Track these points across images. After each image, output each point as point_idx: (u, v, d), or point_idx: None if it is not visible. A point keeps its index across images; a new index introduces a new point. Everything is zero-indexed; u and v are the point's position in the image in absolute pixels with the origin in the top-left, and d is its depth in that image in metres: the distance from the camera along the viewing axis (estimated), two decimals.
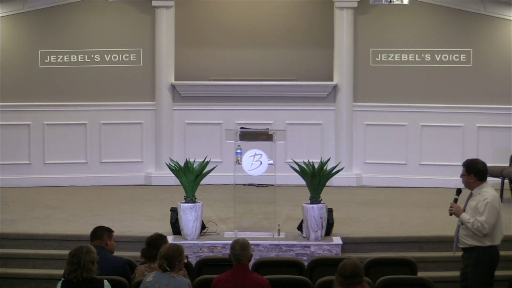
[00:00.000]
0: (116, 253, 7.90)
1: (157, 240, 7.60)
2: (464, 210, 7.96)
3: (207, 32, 14.55)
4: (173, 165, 9.98)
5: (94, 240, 7.58)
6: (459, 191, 8.10)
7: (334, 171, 9.98)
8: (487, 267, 7.94)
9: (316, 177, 9.78)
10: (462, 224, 7.94)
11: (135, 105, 13.98)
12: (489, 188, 7.95)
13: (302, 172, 9.88)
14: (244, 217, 10.75)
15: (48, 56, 13.82)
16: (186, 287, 6.76)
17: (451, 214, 8.09)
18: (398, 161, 13.95)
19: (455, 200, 8.05)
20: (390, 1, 13.30)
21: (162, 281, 6.71)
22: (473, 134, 13.78)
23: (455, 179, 13.56)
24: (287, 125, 13.59)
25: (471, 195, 7.98)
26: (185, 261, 7.28)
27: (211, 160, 10.25)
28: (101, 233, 7.63)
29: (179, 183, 10.17)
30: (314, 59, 14.46)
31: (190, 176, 9.88)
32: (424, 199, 12.71)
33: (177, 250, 6.86)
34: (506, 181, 12.47)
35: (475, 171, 7.90)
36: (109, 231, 7.72)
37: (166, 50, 13.85)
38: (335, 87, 13.95)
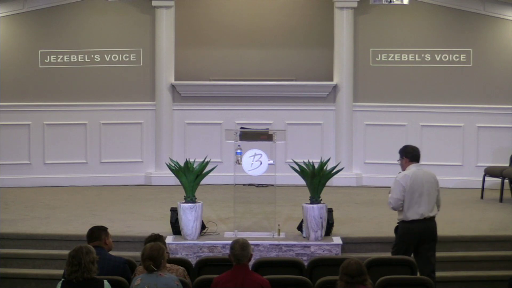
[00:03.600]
0: (116, 253, 7.90)
1: (156, 240, 7.60)
2: None
3: (207, 32, 14.56)
4: (173, 165, 9.98)
5: (93, 241, 7.56)
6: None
7: (334, 171, 9.97)
8: (399, 238, 8.71)
9: (316, 177, 9.78)
10: None
11: (135, 105, 13.99)
12: (411, 169, 8.71)
13: (302, 172, 9.88)
14: (244, 217, 10.75)
15: (48, 56, 13.83)
16: (175, 283, 6.76)
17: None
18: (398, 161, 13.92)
19: None
20: (390, 1, 13.30)
21: (150, 281, 6.70)
22: (473, 134, 13.78)
23: (455, 179, 13.69)
24: (287, 125, 13.60)
25: None
26: (168, 253, 7.41)
27: (211, 160, 10.24)
28: (98, 234, 7.61)
29: (179, 183, 10.17)
30: (314, 59, 14.47)
31: (190, 176, 9.88)
32: None
33: (160, 249, 6.88)
34: (506, 181, 12.47)
35: (405, 153, 8.79)
36: (104, 230, 7.71)
37: (166, 50, 13.86)
38: (335, 87, 13.95)
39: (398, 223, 8.79)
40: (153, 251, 6.82)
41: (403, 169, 8.80)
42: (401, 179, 8.66)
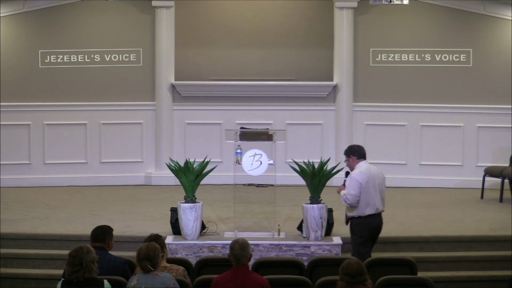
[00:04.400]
0: (116, 253, 7.89)
1: (156, 240, 7.59)
2: None
3: (207, 32, 14.56)
4: (173, 165, 9.98)
5: (97, 242, 7.54)
6: (347, 174, 9.14)
7: (334, 171, 9.96)
8: (358, 234, 8.93)
9: (316, 177, 9.78)
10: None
11: (135, 105, 13.99)
12: (363, 166, 8.97)
13: (302, 172, 9.87)
14: (244, 217, 10.75)
15: (48, 56, 13.83)
16: (171, 282, 6.76)
17: (338, 193, 9.11)
18: (398, 161, 13.95)
19: (345, 181, 9.07)
20: (390, 1, 13.30)
21: (146, 282, 6.70)
22: (473, 134, 13.78)
23: (455, 179, 13.69)
24: (287, 125, 13.60)
25: None
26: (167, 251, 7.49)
27: (211, 160, 10.24)
28: (103, 237, 7.57)
29: (179, 183, 10.17)
30: (314, 59, 14.47)
31: (190, 176, 9.87)
32: (424, 199, 12.71)
33: (156, 249, 6.88)
34: (506, 181, 12.47)
35: (352, 152, 9.05)
36: (110, 233, 7.67)
37: (166, 50, 13.86)
38: (335, 87, 13.95)
39: (349, 219, 9.03)
40: (149, 251, 6.82)
41: (352, 168, 9.03)
42: (358, 175, 8.89)
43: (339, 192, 9.07)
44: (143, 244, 7.00)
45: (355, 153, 9.03)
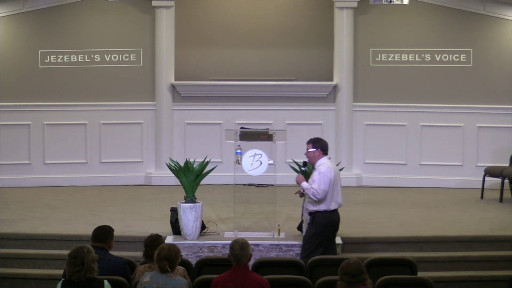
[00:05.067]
0: (116, 253, 7.89)
1: (157, 240, 7.60)
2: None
3: (207, 32, 14.56)
4: (173, 165, 9.98)
5: (98, 242, 7.54)
6: (305, 164, 9.39)
7: None
8: (322, 229, 9.02)
9: None
10: (303, 190, 9.07)
11: (135, 105, 13.99)
12: (327, 161, 9.11)
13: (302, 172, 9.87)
14: (244, 217, 10.75)
15: (48, 56, 13.83)
16: (184, 286, 6.76)
17: (297, 182, 9.23)
18: (398, 161, 13.95)
19: (302, 171, 9.34)
20: (390, 1, 13.30)
21: (159, 281, 6.71)
22: (473, 134, 13.78)
23: (455, 179, 13.69)
24: (287, 125, 13.60)
25: (313, 168, 9.14)
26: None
27: (211, 160, 10.24)
28: (105, 237, 7.57)
29: (179, 183, 10.16)
30: (314, 59, 14.47)
31: (190, 176, 9.87)
32: (424, 199, 12.71)
33: (178, 251, 6.90)
34: (506, 181, 12.47)
35: (321, 146, 9.10)
36: (111, 234, 7.68)
37: (166, 50, 13.86)
38: (335, 87, 13.95)
39: (313, 213, 9.05)
40: (171, 252, 6.83)
41: (314, 160, 9.11)
42: (327, 171, 9.00)
43: (300, 183, 9.13)
44: (165, 244, 7.01)
45: (324, 148, 9.13)
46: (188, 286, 6.87)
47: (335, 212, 9.11)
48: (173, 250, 6.85)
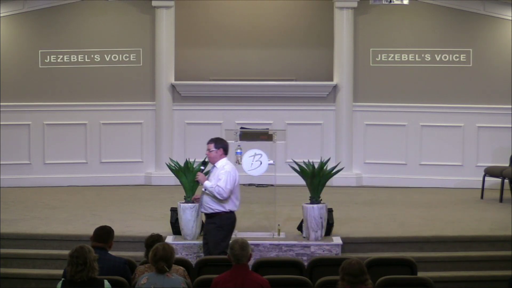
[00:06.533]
0: (116, 253, 7.89)
1: (158, 240, 7.60)
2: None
3: (207, 32, 14.56)
4: (173, 165, 9.98)
5: (100, 242, 7.54)
6: (205, 163, 9.39)
7: (334, 171, 9.97)
8: (226, 228, 9.07)
9: (316, 177, 9.78)
10: (205, 190, 9.07)
11: (135, 105, 13.99)
12: (228, 162, 9.16)
13: (302, 172, 9.87)
14: (244, 217, 10.75)
15: (48, 56, 13.83)
16: (182, 285, 6.76)
17: (196, 182, 9.34)
18: (398, 161, 13.95)
19: (201, 170, 9.37)
20: (390, 1, 13.30)
21: (157, 281, 6.70)
22: (473, 134, 13.78)
23: (455, 179, 13.69)
24: (287, 125, 13.60)
25: (214, 167, 9.15)
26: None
27: None
28: (106, 237, 7.59)
29: (179, 183, 10.15)
30: (314, 59, 14.47)
31: (190, 176, 9.86)
32: (424, 199, 12.71)
33: (172, 249, 6.91)
34: (506, 181, 12.47)
35: (223, 146, 9.14)
36: (113, 233, 7.69)
37: (166, 50, 13.86)
38: (335, 87, 13.95)
39: (215, 213, 9.03)
40: (167, 252, 6.82)
41: (215, 160, 9.11)
42: (232, 171, 9.09)
43: (202, 182, 9.12)
44: (158, 244, 6.99)
45: (226, 148, 9.15)
46: (186, 284, 6.86)
47: (234, 213, 9.20)
48: (168, 249, 6.85)
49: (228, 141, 10.36)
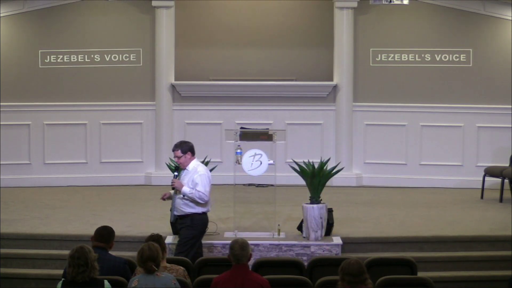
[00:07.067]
0: (116, 253, 7.89)
1: (158, 240, 7.59)
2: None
3: (207, 32, 14.56)
4: (173, 165, 9.97)
5: (101, 242, 7.53)
6: (177, 168, 9.20)
7: (334, 171, 9.97)
8: (198, 230, 9.09)
9: (316, 177, 9.78)
10: (184, 196, 8.96)
11: (135, 105, 13.99)
12: (199, 163, 9.15)
13: (302, 172, 9.88)
14: (244, 217, 10.75)
15: (48, 56, 13.83)
16: (172, 282, 6.75)
17: (173, 188, 9.10)
18: (398, 161, 13.95)
19: (175, 176, 9.14)
20: (390, 1, 13.30)
21: (148, 283, 6.68)
22: (473, 134, 13.78)
23: (455, 179, 13.69)
24: (287, 125, 13.60)
25: (184, 170, 9.09)
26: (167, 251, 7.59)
27: (211, 160, 10.24)
28: (108, 238, 7.59)
29: None
30: (314, 59, 14.48)
31: None
32: (424, 199, 12.71)
33: (158, 248, 6.90)
34: (506, 181, 12.47)
35: (189, 149, 9.05)
36: (114, 234, 7.69)
37: (166, 50, 13.86)
38: (335, 87, 13.95)
39: (188, 215, 9.00)
40: (154, 252, 6.81)
41: (186, 164, 9.04)
42: (206, 172, 9.10)
43: (180, 188, 8.96)
44: (143, 244, 6.98)
45: (192, 150, 9.08)
46: (177, 281, 6.84)
47: (207, 214, 9.23)
48: (154, 249, 6.85)
49: (228, 141, 10.39)
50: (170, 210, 9.28)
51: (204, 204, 9.07)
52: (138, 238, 9.72)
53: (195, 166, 9.07)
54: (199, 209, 9.06)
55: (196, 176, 8.99)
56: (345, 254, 9.37)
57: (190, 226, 9.03)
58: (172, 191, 9.22)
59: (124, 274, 7.39)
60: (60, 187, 13.66)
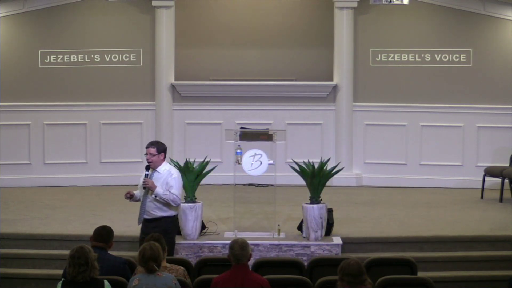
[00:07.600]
0: (116, 253, 7.89)
1: (158, 240, 7.59)
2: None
3: (207, 32, 14.56)
4: (173, 165, 9.97)
5: (101, 241, 7.54)
6: (148, 168, 8.92)
7: (334, 171, 9.97)
8: (173, 233, 9.02)
9: (316, 177, 9.78)
10: (156, 197, 8.77)
11: (135, 105, 13.99)
12: (171, 166, 9.12)
13: (302, 172, 9.88)
14: (244, 217, 10.75)
15: (48, 56, 13.83)
16: (173, 282, 6.75)
17: (144, 188, 8.86)
18: (398, 161, 13.95)
19: (146, 176, 8.89)
20: (390, 1, 13.31)
21: (148, 282, 6.68)
22: (473, 134, 13.78)
23: (455, 179, 13.69)
24: (287, 125, 13.60)
25: (155, 172, 8.91)
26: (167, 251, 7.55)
27: (211, 160, 10.24)
28: (107, 238, 7.60)
29: None
30: (314, 59, 14.48)
31: (190, 176, 9.87)
32: (424, 199, 12.71)
33: (159, 248, 6.90)
34: (506, 181, 12.47)
35: (163, 150, 8.94)
36: (113, 234, 7.69)
37: (166, 50, 13.86)
38: (335, 87, 13.95)
39: (159, 218, 8.84)
40: (154, 252, 6.82)
41: (158, 164, 8.88)
42: (179, 176, 9.02)
43: (153, 189, 8.73)
44: (144, 244, 6.98)
45: (166, 151, 8.99)
46: (177, 281, 6.85)
47: (177, 216, 9.20)
48: (155, 249, 6.85)
49: (228, 141, 10.39)
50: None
51: (176, 207, 8.94)
52: (138, 238, 9.69)
53: (167, 169, 8.92)
54: (171, 213, 8.91)
55: (171, 179, 8.85)
56: (345, 254, 9.37)
57: (165, 231, 8.56)
58: (137, 191, 9.04)
59: (123, 274, 7.38)
60: (60, 187, 13.66)
